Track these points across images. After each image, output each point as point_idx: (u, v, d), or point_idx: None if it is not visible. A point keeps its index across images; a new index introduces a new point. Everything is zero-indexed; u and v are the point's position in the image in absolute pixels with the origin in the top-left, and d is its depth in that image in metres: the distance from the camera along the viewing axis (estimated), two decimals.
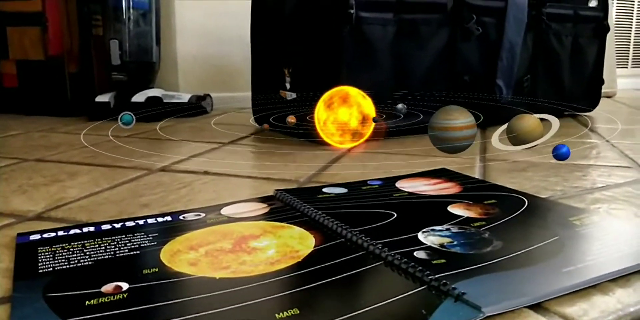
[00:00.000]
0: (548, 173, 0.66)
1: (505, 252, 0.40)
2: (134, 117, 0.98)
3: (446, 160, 0.75)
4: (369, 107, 0.67)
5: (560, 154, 0.48)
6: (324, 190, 0.58)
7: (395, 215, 0.49)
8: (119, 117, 0.97)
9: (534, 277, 0.36)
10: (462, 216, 0.48)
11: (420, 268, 0.36)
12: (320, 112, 0.67)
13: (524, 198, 0.53)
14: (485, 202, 0.52)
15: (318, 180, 0.65)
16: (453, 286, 0.33)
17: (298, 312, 0.32)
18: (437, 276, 0.35)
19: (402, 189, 0.58)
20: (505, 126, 0.60)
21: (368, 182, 0.61)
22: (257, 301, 0.33)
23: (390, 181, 0.61)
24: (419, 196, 0.55)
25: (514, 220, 0.47)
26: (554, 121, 0.62)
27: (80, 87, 1.33)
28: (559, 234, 0.43)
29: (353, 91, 0.70)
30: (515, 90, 1.04)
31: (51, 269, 0.40)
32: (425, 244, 0.41)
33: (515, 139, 0.55)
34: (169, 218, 0.51)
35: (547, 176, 0.65)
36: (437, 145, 0.54)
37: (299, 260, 0.40)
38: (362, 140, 0.72)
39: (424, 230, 0.44)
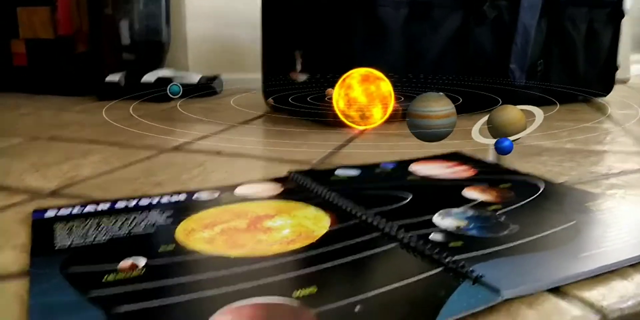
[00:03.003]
0: (563, 158, 0.66)
1: (521, 235, 0.39)
2: (181, 87, 0.98)
3: (461, 143, 0.75)
4: (358, 92, 0.65)
5: (501, 148, 0.47)
6: (337, 172, 0.57)
7: (410, 197, 0.49)
8: (168, 87, 0.98)
9: (551, 261, 0.35)
10: (478, 200, 0.48)
11: (438, 250, 0.36)
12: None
13: (539, 182, 0.53)
14: (501, 186, 0.52)
15: (331, 162, 0.65)
16: (471, 268, 0.33)
17: (315, 290, 0.32)
18: (454, 258, 0.35)
19: (415, 172, 0.58)
20: (486, 117, 0.57)
21: (381, 165, 0.61)
22: (274, 280, 0.33)
23: (403, 164, 0.61)
24: (433, 180, 0.55)
25: (529, 204, 0.47)
26: (537, 113, 0.60)
27: (89, 66, 1.32)
28: (575, 218, 0.43)
29: (357, 73, 0.68)
30: (529, 74, 1.03)
31: (67, 245, 0.40)
32: (441, 227, 0.41)
33: (495, 131, 0.52)
34: (182, 197, 0.51)
35: (562, 161, 0.64)
36: (412, 131, 0.53)
37: (314, 240, 0.40)
38: (363, 126, 0.69)
39: (440, 212, 0.44)
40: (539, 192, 0.50)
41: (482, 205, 0.46)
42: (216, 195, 0.51)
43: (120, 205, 0.49)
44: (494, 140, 0.49)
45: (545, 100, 1.05)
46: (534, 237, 0.39)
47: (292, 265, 0.36)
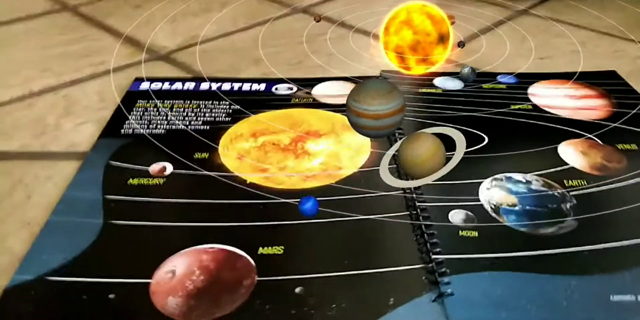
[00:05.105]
0: None
1: (567, 241, 0.31)
2: None
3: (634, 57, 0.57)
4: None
5: (302, 210, 0.33)
6: (436, 81, 0.49)
7: (486, 140, 0.41)
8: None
9: (569, 296, 0.28)
10: (568, 164, 0.38)
11: (434, 240, 0.31)
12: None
13: None
14: (619, 146, 0.40)
15: (448, 58, 0.56)
16: (447, 280, 0.29)
17: (282, 251, 0.32)
18: (441, 257, 0.30)
19: (533, 95, 0.47)
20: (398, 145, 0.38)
21: (499, 77, 0.50)
22: (255, 227, 0.34)
23: (526, 81, 0.49)
24: (543, 116, 0.44)
25: (627, 189, 0.36)
26: (458, 139, 0.38)
27: None
28: None
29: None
30: None
31: (132, 131, 0.44)
32: (480, 200, 0.35)
33: (403, 170, 0.34)
34: (262, 87, 0.50)
35: None
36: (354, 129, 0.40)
37: (332, 182, 0.37)
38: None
39: (500, 175, 0.37)
40: None
41: (566, 174, 0.37)
42: (294, 90, 0.49)
43: (204, 86, 0.51)
44: (406, 183, 0.34)
45: None
46: (579, 247, 0.31)
47: (286, 212, 0.35)
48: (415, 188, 0.35)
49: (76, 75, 0.54)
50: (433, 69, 0.48)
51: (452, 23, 0.52)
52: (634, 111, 0.44)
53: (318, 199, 0.36)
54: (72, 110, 0.48)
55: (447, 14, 0.42)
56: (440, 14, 0.43)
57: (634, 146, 0.40)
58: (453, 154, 0.39)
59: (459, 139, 0.39)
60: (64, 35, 0.63)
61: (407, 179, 0.36)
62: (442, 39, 0.44)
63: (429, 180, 0.36)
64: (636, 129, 0.42)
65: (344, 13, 0.69)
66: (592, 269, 0.29)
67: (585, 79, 0.50)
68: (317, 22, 0.57)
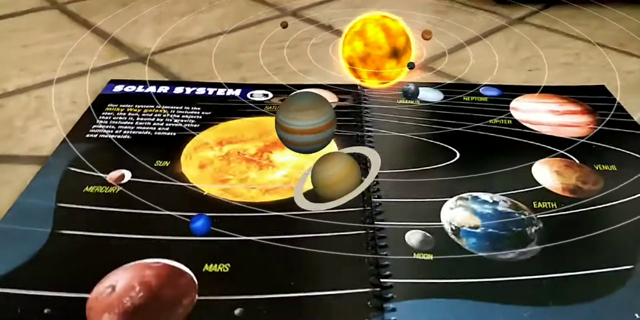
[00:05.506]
0: None
1: (523, 268, 0.30)
2: None
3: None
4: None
5: (193, 228, 0.32)
6: None
7: (458, 156, 0.39)
8: None
9: None
10: (540, 185, 0.36)
11: (385, 264, 0.30)
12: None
13: None
14: (597, 167, 0.38)
15: (432, 67, 0.54)
16: (392, 306, 0.27)
17: (227, 269, 0.30)
18: (391, 281, 0.29)
19: (512, 110, 0.45)
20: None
21: (481, 90, 0.49)
22: (202, 244, 0.32)
23: (510, 94, 0.48)
24: (521, 132, 0.42)
25: (598, 213, 0.34)
26: (374, 157, 0.36)
27: None
28: (638, 260, 0.31)
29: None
30: None
31: (97, 135, 0.43)
32: (441, 221, 0.33)
33: (316, 191, 0.33)
34: (237, 92, 0.49)
35: None
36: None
37: (293, 195, 0.36)
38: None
39: (463, 195, 0.35)
40: (637, 195, 0.36)
41: (535, 196, 0.35)
42: (268, 97, 0.48)
43: (177, 90, 0.49)
44: (314, 206, 0.33)
45: None
46: (538, 275, 0.29)
47: (238, 227, 0.33)
48: (375, 205, 0.34)
49: (52, 75, 0.53)
50: (390, 84, 0.46)
51: (428, 39, 0.50)
52: (600, 127, 0.42)
53: (276, 213, 0.34)
54: (42, 112, 0.47)
55: (424, 30, 0.41)
56: (400, 27, 0.42)
57: (613, 167, 0.38)
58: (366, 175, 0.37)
59: (375, 160, 0.38)
60: (48, 34, 0.63)
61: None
62: (396, 53, 0.42)
63: (339, 203, 0.34)
64: (618, 149, 0.40)
65: (333, 17, 0.67)
66: (549, 299, 0.28)
67: (572, 93, 0.48)
68: (283, 28, 0.56)
